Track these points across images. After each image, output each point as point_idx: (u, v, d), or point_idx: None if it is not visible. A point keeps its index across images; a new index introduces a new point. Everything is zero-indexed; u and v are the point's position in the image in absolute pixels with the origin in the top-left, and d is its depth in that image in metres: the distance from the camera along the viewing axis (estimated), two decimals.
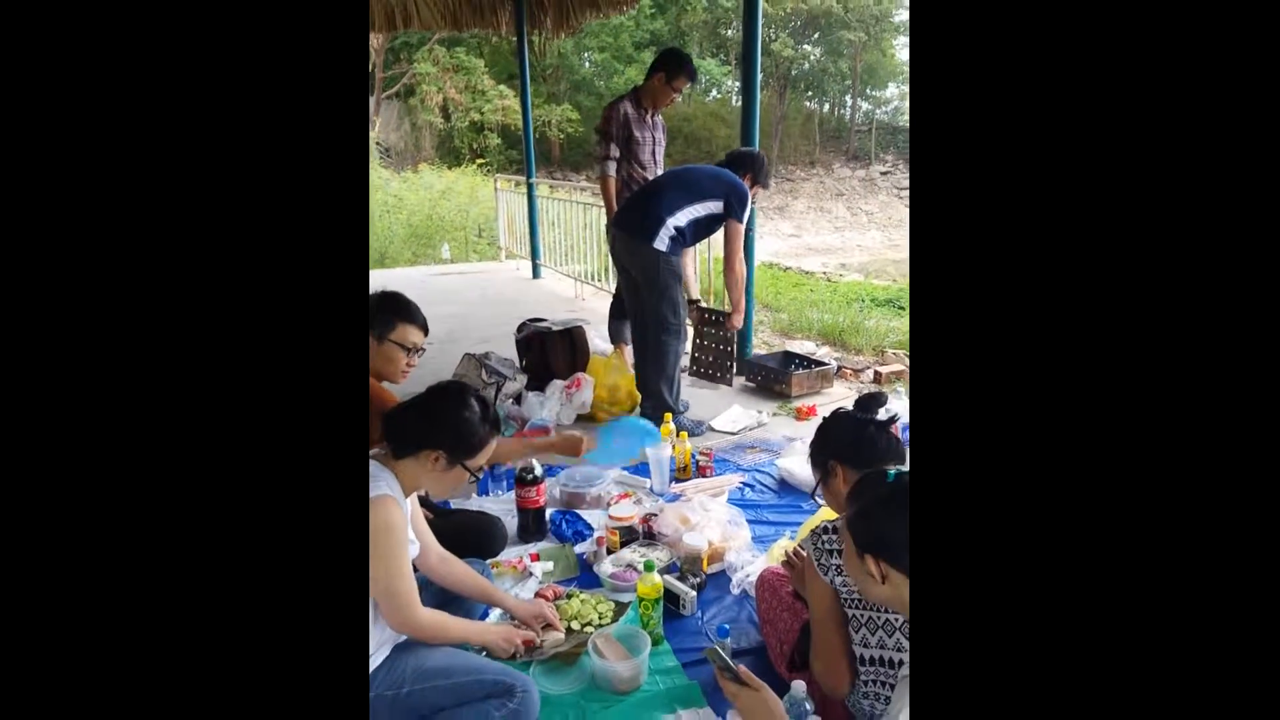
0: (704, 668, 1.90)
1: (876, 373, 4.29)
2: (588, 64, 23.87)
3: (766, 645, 1.90)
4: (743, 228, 3.21)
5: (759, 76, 3.81)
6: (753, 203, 3.30)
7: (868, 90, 29.07)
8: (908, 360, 4.55)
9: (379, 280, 4.91)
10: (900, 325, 5.35)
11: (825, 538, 1.56)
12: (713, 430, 3.41)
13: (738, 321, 3.43)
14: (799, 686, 1.50)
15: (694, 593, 2.13)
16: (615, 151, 3.78)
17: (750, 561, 2.27)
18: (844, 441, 1.67)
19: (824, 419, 1.78)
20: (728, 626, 1.90)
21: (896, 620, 1.46)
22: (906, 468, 1.27)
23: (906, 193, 24.33)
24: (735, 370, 3.64)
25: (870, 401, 1.70)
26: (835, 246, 21.54)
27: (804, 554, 1.83)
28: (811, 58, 27.35)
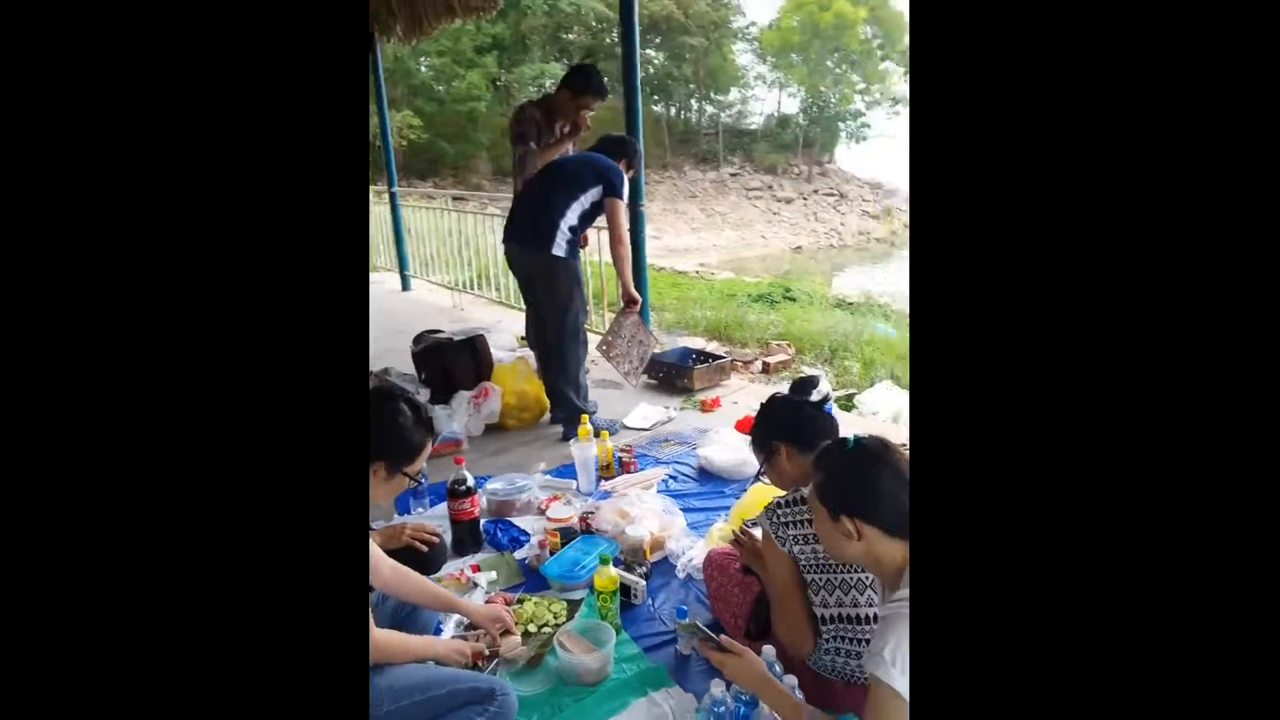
0: (666, 650, 1.99)
1: (765, 363, 4.55)
2: (425, 69, 23.27)
3: (720, 620, 2.03)
4: (623, 203, 3.17)
5: (639, 78, 3.92)
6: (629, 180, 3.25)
7: (711, 94, 30.23)
8: (792, 350, 4.87)
9: None
10: (776, 318, 5.68)
11: (780, 512, 1.70)
12: (626, 428, 3.51)
13: (633, 300, 3.30)
14: (769, 651, 1.63)
15: (643, 581, 2.22)
16: (534, 146, 3.48)
17: (690, 546, 2.38)
18: (786, 424, 1.81)
19: (762, 405, 1.92)
20: (684, 608, 2.00)
21: (853, 578, 1.62)
22: (863, 434, 1.42)
23: (755, 193, 25.53)
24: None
25: (805, 385, 1.86)
26: (693, 247, 22.29)
27: (751, 532, 1.97)
28: (655, 62, 28.11)
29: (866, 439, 1.42)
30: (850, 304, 6.85)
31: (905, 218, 22.95)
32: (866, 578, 1.61)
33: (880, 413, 3.73)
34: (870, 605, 1.61)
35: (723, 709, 1.55)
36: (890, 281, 8.85)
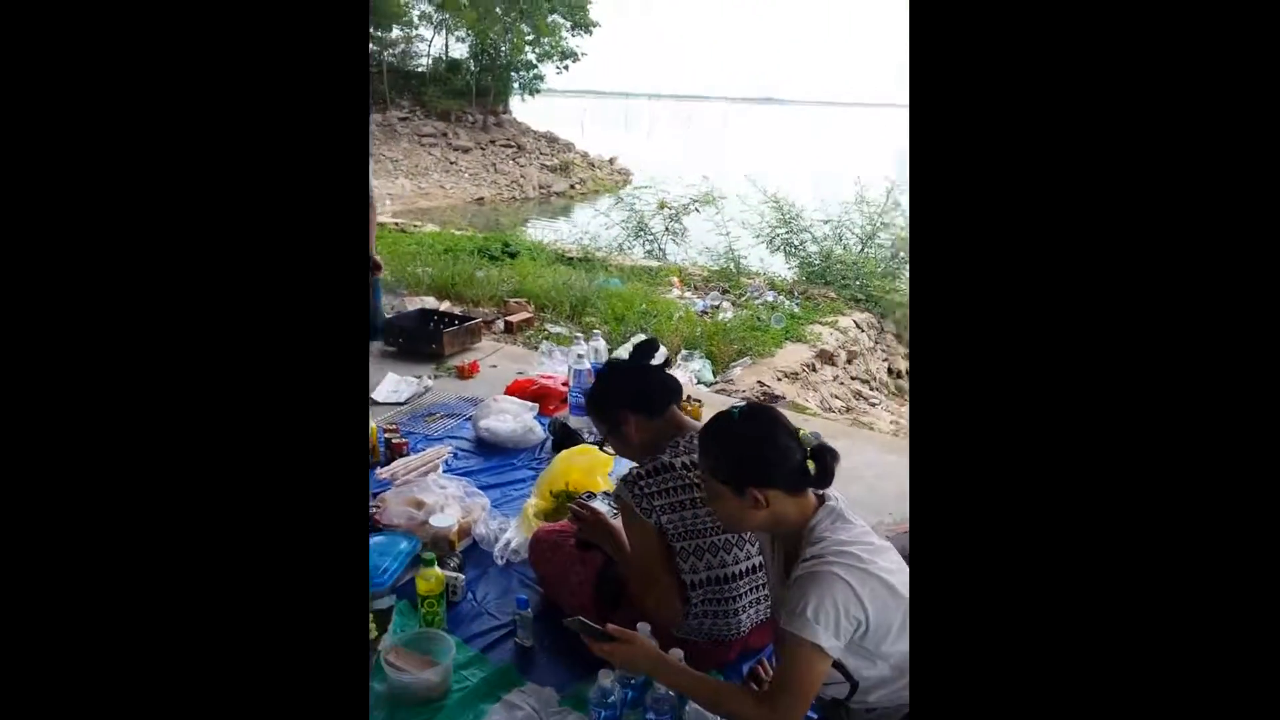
0: (505, 646, 1.84)
1: (507, 322, 4.39)
2: None
3: (557, 602, 1.91)
4: None
5: None
6: None
7: (376, 32, 27.91)
8: (533, 308, 4.75)
9: None
10: (508, 274, 5.49)
11: (644, 483, 1.63)
12: (377, 404, 3.13)
13: (376, 265, 3.15)
14: (644, 628, 1.58)
15: (461, 576, 2.01)
16: None
17: (504, 529, 2.21)
18: (633, 391, 1.74)
19: (602, 373, 1.82)
20: (524, 596, 1.85)
21: (721, 540, 1.62)
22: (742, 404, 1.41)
23: (429, 140, 24.39)
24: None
25: (647, 349, 1.79)
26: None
27: (592, 506, 1.88)
28: None
29: (746, 407, 1.41)
30: (571, 259, 6.88)
31: (581, 173, 23.74)
32: (733, 536, 1.63)
33: None
34: (739, 562, 1.64)
35: (613, 698, 1.47)
36: (575, 234, 9.11)
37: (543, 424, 2.96)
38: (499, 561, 2.14)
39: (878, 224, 6.88)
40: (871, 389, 4.91)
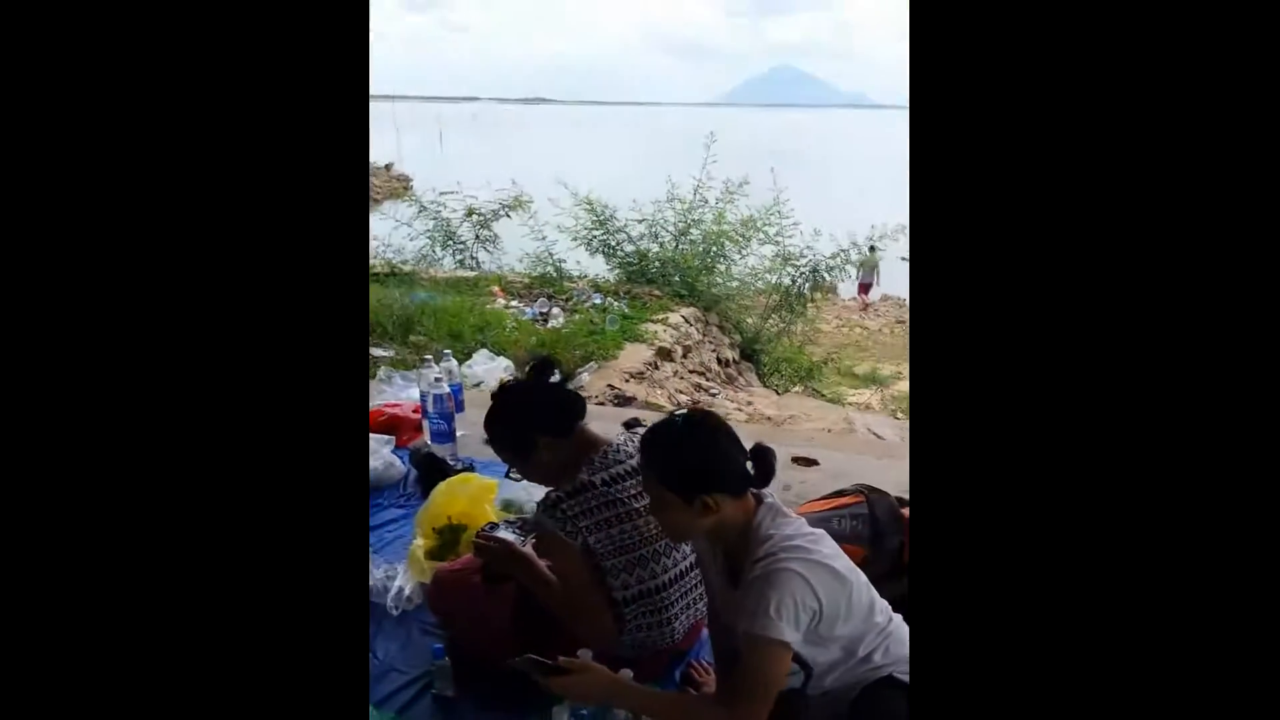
0: (422, 701, 1.70)
1: None
2: None
3: (470, 644, 1.80)
4: None
5: None
6: None
7: None
8: None
9: None
10: None
11: (566, 505, 1.58)
12: None
13: None
14: (585, 654, 1.53)
15: None
16: None
17: (391, 577, 2.04)
18: (537, 412, 1.67)
19: (503, 396, 1.73)
20: (439, 645, 1.72)
21: (649, 551, 1.61)
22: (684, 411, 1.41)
23: None
24: None
25: (545, 367, 1.73)
26: None
27: (496, 537, 1.78)
28: None
29: (689, 414, 1.41)
30: (377, 274, 6.47)
31: None
32: (663, 545, 1.62)
33: (486, 382, 3.69)
34: (670, 569, 1.63)
35: None
36: (374, 247, 8.62)
37: (402, 457, 2.76)
38: (394, 612, 1.97)
39: (689, 220, 7.17)
40: (709, 380, 5.12)
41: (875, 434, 3.75)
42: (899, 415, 5.72)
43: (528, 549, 1.80)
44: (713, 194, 7.29)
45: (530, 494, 2.43)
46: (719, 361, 5.70)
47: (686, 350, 5.26)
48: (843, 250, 7.35)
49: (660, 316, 5.54)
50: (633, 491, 1.61)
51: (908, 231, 7.37)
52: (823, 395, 6.36)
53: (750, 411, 4.21)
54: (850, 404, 6.30)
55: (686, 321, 5.66)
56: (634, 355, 4.68)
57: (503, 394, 1.74)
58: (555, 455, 1.66)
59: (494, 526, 1.88)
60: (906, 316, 11.82)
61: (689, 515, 1.33)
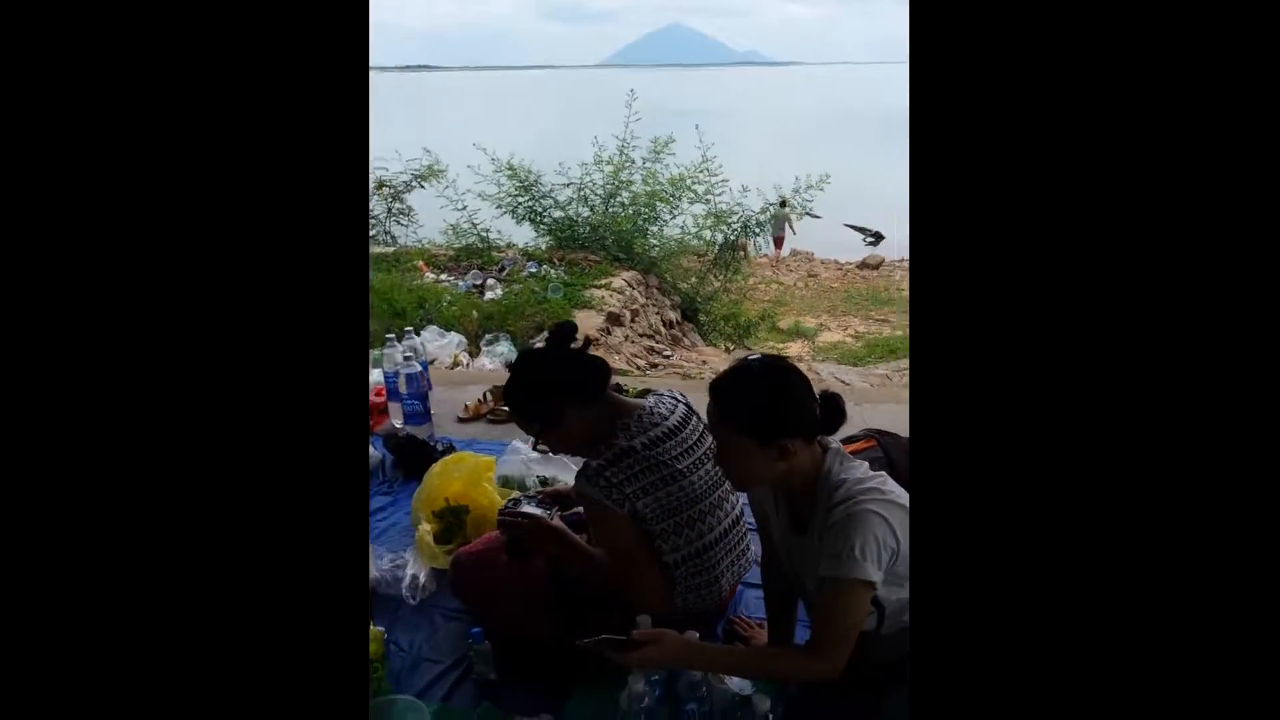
0: (464, 687, 1.63)
1: None
2: None
3: (500, 625, 1.72)
4: None
5: None
6: None
7: None
8: None
9: None
10: None
11: (610, 473, 1.52)
12: None
13: None
14: (644, 620, 1.49)
15: (379, 628, 1.72)
16: None
17: (401, 565, 1.94)
18: (563, 380, 1.60)
19: (524, 364, 1.65)
20: (478, 629, 1.64)
21: (696, 511, 1.57)
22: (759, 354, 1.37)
23: None
24: None
25: (566, 333, 1.65)
26: None
27: (525, 511, 1.71)
28: None
29: (764, 358, 1.38)
30: None
31: None
32: (712, 501, 1.59)
33: (440, 358, 3.54)
34: (717, 526, 1.61)
35: (648, 701, 1.37)
36: None
37: (375, 442, 2.62)
38: (411, 601, 1.87)
39: (618, 182, 7.05)
40: (659, 343, 5.10)
41: (841, 380, 3.83)
42: (839, 363, 5.88)
43: (556, 522, 1.74)
44: (638, 154, 7.20)
45: (529, 469, 2.36)
46: (664, 323, 5.69)
47: (634, 314, 5.21)
48: (770, 204, 7.43)
49: (603, 282, 5.46)
50: (675, 453, 1.57)
51: (830, 184, 7.56)
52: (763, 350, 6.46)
53: (716, 367, 4.22)
54: (784, 353, 6.43)
55: (629, 285, 5.61)
56: (585, 322, 4.59)
57: (525, 363, 1.66)
58: (586, 423, 1.60)
59: (516, 502, 1.80)
60: (819, 270, 12.16)
61: (763, 461, 1.30)
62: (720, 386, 1.34)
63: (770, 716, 1.32)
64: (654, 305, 5.83)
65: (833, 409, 1.32)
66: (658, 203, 6.94)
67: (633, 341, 4.77)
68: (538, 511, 1.75)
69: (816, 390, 1.35)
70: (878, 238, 13.74)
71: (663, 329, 5.54)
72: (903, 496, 1.33)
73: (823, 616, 1.32)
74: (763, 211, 7.34)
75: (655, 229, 7.06)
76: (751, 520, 1.70)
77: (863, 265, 12.26)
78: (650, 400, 1.66)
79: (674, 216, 7.17)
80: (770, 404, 1.30)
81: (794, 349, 7.16)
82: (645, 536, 1.56)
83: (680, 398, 1.71)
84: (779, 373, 1.33)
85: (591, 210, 7.08)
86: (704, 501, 1.59)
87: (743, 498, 1.69)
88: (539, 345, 1.70)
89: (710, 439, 1.63)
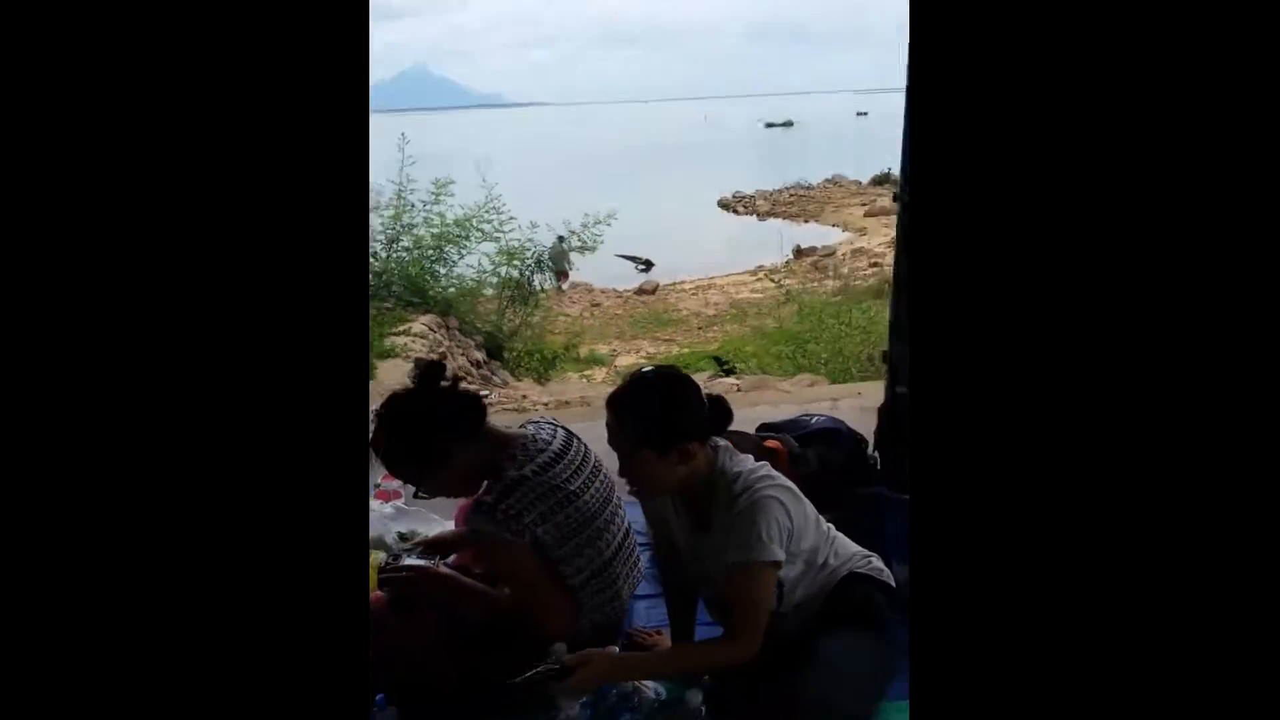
0: None
1: None
2: None
3: (402, 680, 1.61)
4: None
5: None
6: None
7: None
8: None
9: None
10: None
11: (506, 504, 1.50)
12: None
13: None
14: (560, 648, 1.48)
15: None
16: None
17: None
18: (450, 419, 1.55)
19: (394, 408, 1.56)
20: (380, 696, 1.52)
21: (591, 528, 1.59)
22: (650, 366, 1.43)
23: None
24: None
25: (435, 371, 1.60)
26: None
27: (407, 564, 1.64)
28: None
29: (656, 368, 1.45)
30: None
31: None
32: (601, 521, 1.62)
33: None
34: (612, 541, 1.64)
35: None
36: None
37: None
38: None
39: (399, 227, 6.82)
40: (471, 383, 4.99)
41: None
42: None
43: (441, 569, 1.68)
44: (416, 197, 7.02)
45: (386, 526, 2.22)
46: (471, 363, 5.57)
47: (441, 357, 5.06)
48: (560, 238, 7.57)
49: (402, 328, 5.24)
50: (565, 475, 1.58)
51: (616, 220, 7.88)
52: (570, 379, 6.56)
53: (536, 400, 4.22)
54: (592, 381, 6.59)
55: (431, 329, 5.44)
56: (392, 371, 4.38)
57: (397, 406, 1.58)
58: (469, 459, 1.56)
59: (396, 557, 1.71)
60: (600, 299, 12.58)
61: (665, 467, 1.36)
62: (619, 400, 1.39)
63: (703, 710, 1.38)
64: (459, 346, 5.71)
65: (721, 410, 1.42)
66: (445, 244, 6.81)
67: None
68: (422, 563, 1.68)
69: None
70: (648, 264, 14.60)
71: (472, 369, 5.44)
72: (788, 481, 1.46)
73: (738, 601, 1.40)
74: (552, 247, 7.48)
75: (444, 270, 6.91)
76: (641, 531, 1.75)
77: (640, 291, 12.88)
78: (530, 428, 1.66)
79: (462, 256, 7.08)
80: (668, 411, 1.37)
81: (599, 375, 7.33)
82: (547, 564, 1.56)
83: (554, 422, 1.73)
84: (673, 381, 1.41)
85: (374, 258, 6.77)
86: (599, 519, 1.61)
87: (634, 511, 1.73)
88: (406, 386, 1.62)
89: (594, 457, 1.67)
